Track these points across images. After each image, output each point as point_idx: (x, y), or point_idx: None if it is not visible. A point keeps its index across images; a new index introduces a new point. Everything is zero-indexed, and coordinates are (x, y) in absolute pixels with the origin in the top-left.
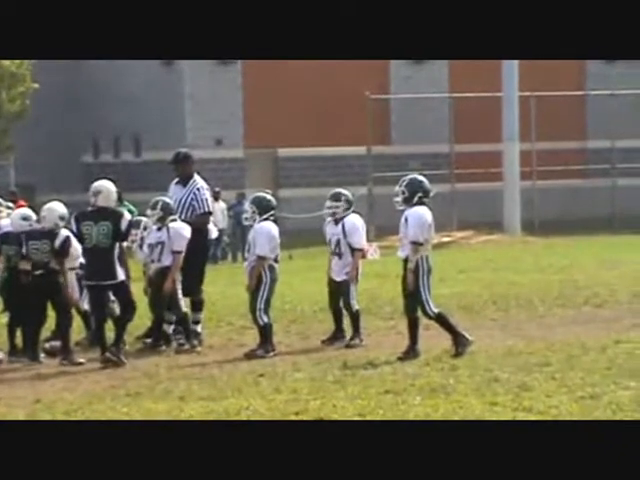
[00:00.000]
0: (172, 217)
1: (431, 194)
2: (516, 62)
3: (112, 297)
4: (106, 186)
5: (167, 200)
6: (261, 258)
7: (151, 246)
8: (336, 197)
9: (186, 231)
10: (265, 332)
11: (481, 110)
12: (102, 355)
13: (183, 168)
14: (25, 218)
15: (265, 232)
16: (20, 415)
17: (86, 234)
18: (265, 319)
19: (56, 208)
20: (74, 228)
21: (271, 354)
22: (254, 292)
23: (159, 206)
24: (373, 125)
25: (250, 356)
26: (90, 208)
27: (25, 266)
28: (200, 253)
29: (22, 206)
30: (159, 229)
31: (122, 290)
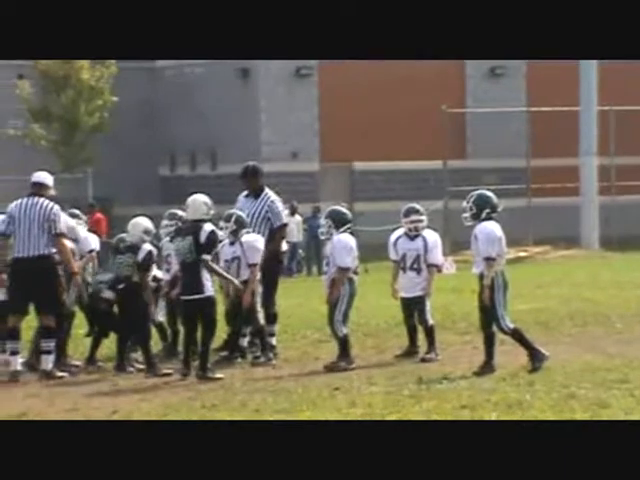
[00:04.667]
0: (244, 230)
1: (499, 209)
2: (594, 75)
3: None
4: (194, 199)
5: (240, 213)
6: (342, 269)
7: (227, 262)
8: (417, 211)
9: (259, 243)
10: (344, 343)
11: (559, 124)
12: (184, 367)
13: (253, 182)
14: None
15: (344, 244)
16: None
17: (176, 249)
18: (344, 330)
19: (141, 222)
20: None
21: (353, 365)
22: (333, 305)
23: (233, 219)
24: (449, 139)
25: (332, 368)
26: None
27: (109, 295)
28: (273, 265)
29: (99, 219)
30: (232, 243)
31: (207, 306)
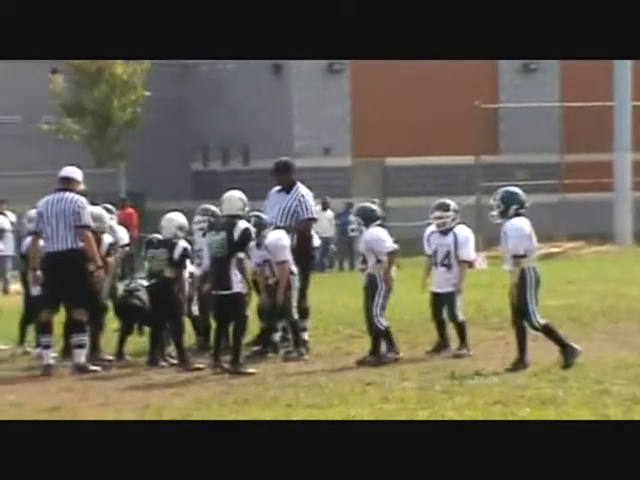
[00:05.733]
0: (265, 231)
1: (527, 204)
2: (629, 70)
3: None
4: (230, 194)
5: (261, 214)
6: (391, 254)
7: (259, 265)
8: (444, 207)
9: (283, 240)
10: (388, 335)
11: (592, 119)
12: (214, 361)
13: (285, 177)
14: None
15: (376, 236)
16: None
17: (208, 243)
18: (384, 323)
19: (175, 218)
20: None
21: (400, 355)
22: (369, 300)
23: (253, 222)
24: (482, 134)
25: (377, 363)
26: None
27: (143, 296)
28: (305, 260)
29: (130, 213)
30: (258, 246)
31: (235, 302)
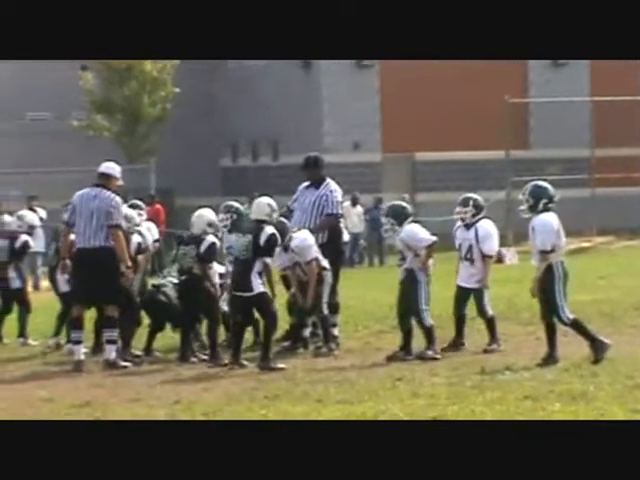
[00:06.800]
0: (288, 236)
1: (556, 198)
2: None
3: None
4: (259, 200)
5: (283, 220)
6: (429, 247)
7: (289, 268)
8: (464, 202)
9: (308, 240)
10: (431, 333)
11: (623, 113)
12: (233, 359)
13: (315, 173)
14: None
15: (413, 232)
16: (160, 415)
17: (233, 244)
18: (430, 320)
19: (205, 215)
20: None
21: (438, 356)
22: (408, 295)
23: (277, 227)
24: (512, 129)
25: (420, 357)
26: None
27: (170, 292)
28: (335, 255)
29: (158, 210)
30: (285, 250)
31: (260, 302)
